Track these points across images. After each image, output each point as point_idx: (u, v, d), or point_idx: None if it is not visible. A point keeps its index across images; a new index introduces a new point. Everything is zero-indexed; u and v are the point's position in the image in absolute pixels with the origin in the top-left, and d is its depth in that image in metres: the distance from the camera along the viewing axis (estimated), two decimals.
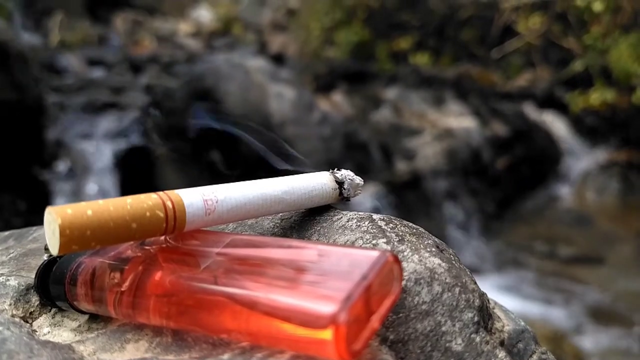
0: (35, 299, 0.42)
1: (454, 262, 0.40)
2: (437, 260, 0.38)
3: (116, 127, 2.59)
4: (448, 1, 4.58)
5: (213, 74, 2.74)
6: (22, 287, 0.42)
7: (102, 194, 2.26)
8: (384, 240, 0.40)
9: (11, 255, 0.49)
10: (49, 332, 0.39)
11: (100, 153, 2.42)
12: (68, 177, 2.32)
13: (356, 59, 4.53)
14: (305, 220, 0.45)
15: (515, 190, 3.24)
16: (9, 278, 0.43)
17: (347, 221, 0.43)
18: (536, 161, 3.41)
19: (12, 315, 0.40)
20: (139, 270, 0.36)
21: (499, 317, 0.39)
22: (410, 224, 0.43)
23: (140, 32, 5.49)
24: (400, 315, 0.35)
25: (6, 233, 0.58)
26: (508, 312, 0.41)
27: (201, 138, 0.47)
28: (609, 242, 2.72)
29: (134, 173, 2.40)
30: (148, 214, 0.33)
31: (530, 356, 0.38)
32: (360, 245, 0.40)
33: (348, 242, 0.41)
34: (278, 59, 4.19)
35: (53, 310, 0.41)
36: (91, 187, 2.30)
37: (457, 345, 0.34)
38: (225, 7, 6.35)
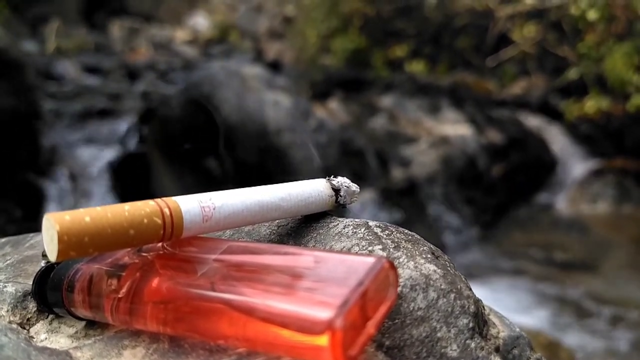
0: (32, 306, 0.42)
1: (449, 268, 0.40)
2: (432, 267, 0.38)
3: (112, 134, 2.59)
4: (444, 9, 4.60)
5: (209, 81, 2.75)
6: (19, 294, 0.42)
7: (99, 201, 2.25)
8: (380, 246, 0.40)
9: (8, 261, 0.49)
10: (46, 338, 0.39)
11: (97, 160, 2.42)
12: (64, 184, 2.31)
13: (352, 67, 4.55)
14: (301, 227, 0.46)
15: (510, 198, 3.25)
16: (6, 285, 0.43)
17: (344, 228, 0.43)
18: (531, 168, 3.43)
19: (10, 322, 0.40)
20: (136, 276, 0.36)
21: (494, 323, 0.40)
22: (406, 231, 0.44)
23: (137, 39, 5.50)
24: (396, 321, 0.35)
25: (3, 240, 0.58)
26: (503, 318, 0.41)
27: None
28: (603, 249, 2.73)
29: (131, 180, 2.39)
30: (145, 220, 0.33)
31: None
32: (357, 252, 0.41)
33: (344, 249, 0.41)
34: (274, 67, 4.21)
35: (50, 316, 0.41)
36: (87, 194, 2.30)
37: (453, 351, 0.35)
38: (221, 15, 6.37)
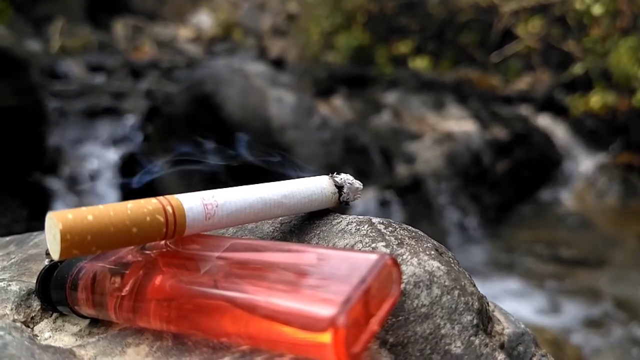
0: (36, 304, 0.42)
1: (453, 265, 0.40)
2: (436, 264, 0.38)
3: (117, 132, 2.59)
4: (447, 5, 4.59)
5: (213, 79, 2.75)
6: (23, 292, 0.42)
7: (103, 199, 2.26)
8: (383, 243, 0.40)
9: (12, 260, 0.49)
10: (50, 336, 0.39)
11: (101, 158, 2.42)
12: (68, 182, 2.32)
13: (356, 63, 4.54)
14: (304, 224, 0.45)
15: (515, 194, 3.24)
16: (10, 283, 0.43)
17: (347, 225, 0.43)
18: (536, 165, 3.41)
19: (14, 320, 0.40)
20: (140, 274, 0.36)
21: (498, 320, 0.40)
22: (410, 228, 0.43)
23: (141, 37, 5.51)
24: (400, 318, 0.35)
25: (7, 238, 0.58)
26: (508, 314, 0.41)
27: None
28: (610, 245, 2.71)
29: (134, 178, 2.40)
30: (148, 218, 0.33)
31: (530, 359, 0.38)
32: (360, 249, 0.40)
33: (347, 246, 0.41)
34: (278, 64, 4.20)
35: (54, 315, 0.41)
36: (92, 192, 2.31)
37: (457, 347, 0.34)
38: (225, 13, 6.37)
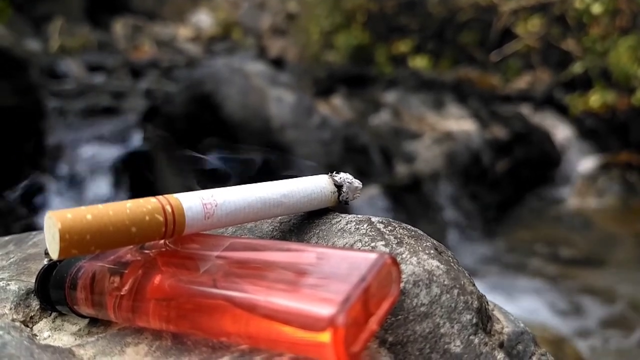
0: (35, 304, 0.42)
1: (452, 264, 0.40)
2: (435, 263, 0.38)
3: (116, 132, 2.59)
4: (447, 4, 4.59)
5: (213, 78, 2.75)
6: (22, 292, 0.42)
7: (102, 199, 2.26)
8: (383, 242, 0.40)
9: (11, 260, 0.49)
10: (49, 336, 0.39)
11: (101, 158, 2.42)
12: (67, 182, 2.32)
13: (355, 63, 4.54)
14: (304, 223, 0.45)
15: (515, 193, 3.24)
16: (9, 282, 0.43)
17: (346, 224, 0.43)
18: (536, 164, 3.41)
19: (13, 320, 0.40)
20: (139, 274, 0.36)
21: (498, 319, 0.40)
22: (409, 227, 0.43)
23: (140, 37, 5.51)
24: (399, 317, 0.35)
25: (6, 238, 0.58)
26: (507, 314, 0.41)
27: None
28: (609, 244, 2.71)
29: (134, 177, 2.40)
30: (147, 218, 0.33)
31: (530, 358, 0.38)
32: (359, 248, 0.40)
33: (347, 245, 0.41)
34: (277, 63, 4.20)
35: (53, 314, 0.41)
36: (91, 191, 2.31)
37: (456, 347, 0.34)
38: (224, 12, 6.37)
